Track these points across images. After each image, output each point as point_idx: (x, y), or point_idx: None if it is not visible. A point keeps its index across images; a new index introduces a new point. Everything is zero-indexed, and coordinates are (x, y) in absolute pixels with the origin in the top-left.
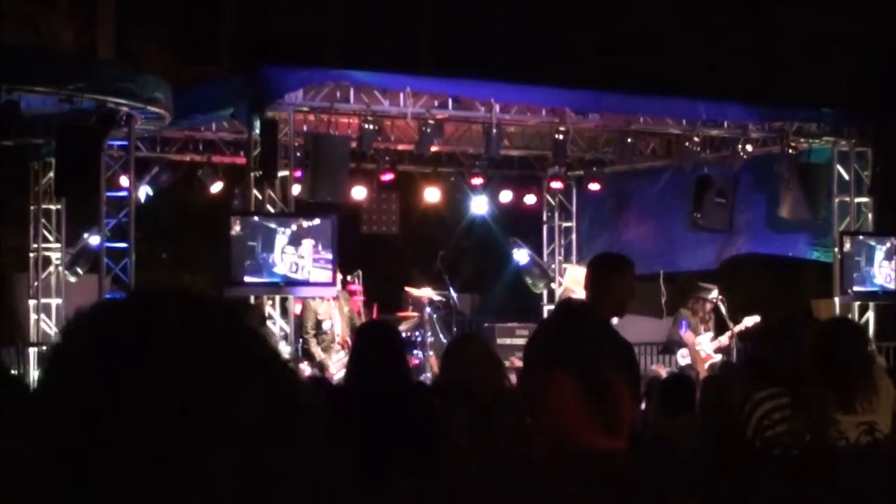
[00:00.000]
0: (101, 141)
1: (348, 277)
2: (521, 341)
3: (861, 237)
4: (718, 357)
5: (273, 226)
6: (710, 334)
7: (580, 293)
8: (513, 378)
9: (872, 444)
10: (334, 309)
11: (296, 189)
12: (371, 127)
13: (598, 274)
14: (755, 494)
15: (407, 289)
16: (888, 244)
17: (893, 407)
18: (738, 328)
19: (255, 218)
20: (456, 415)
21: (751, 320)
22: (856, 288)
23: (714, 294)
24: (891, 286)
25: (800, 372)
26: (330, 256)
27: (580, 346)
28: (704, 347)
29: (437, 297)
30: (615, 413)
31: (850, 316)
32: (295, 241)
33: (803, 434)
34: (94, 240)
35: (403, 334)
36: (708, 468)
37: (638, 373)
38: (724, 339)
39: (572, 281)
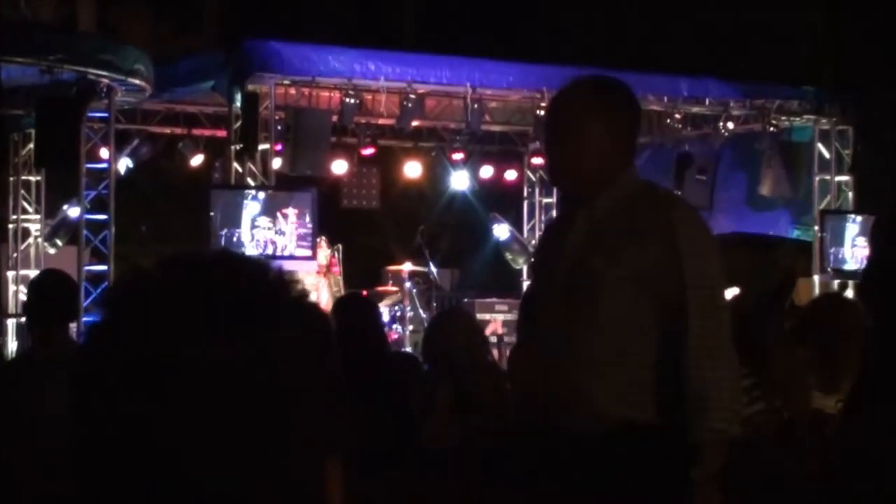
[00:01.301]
0: (82, 112)
1: (329, 251)
2: (501, 316)
3: (842, 215)
4: None
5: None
6: None
7: None
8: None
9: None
10: (322, 282)
11: (276, 163)
12: (352, 101)
13: None
14: (728, 473)
15: (389, 268)
16: (859, 221)
17: None
18: None
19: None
20: (438, 388)
21: (729, 293)
22: (835, 266)
23: None
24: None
25: (768, 350)
26: (310, 230)
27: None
28: None
29: (418, 271)
30: None
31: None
32: (269, 210)
33: (780, 413)
34: (73, 211)
35: (385, 309)
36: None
37: None
38: None
39: None
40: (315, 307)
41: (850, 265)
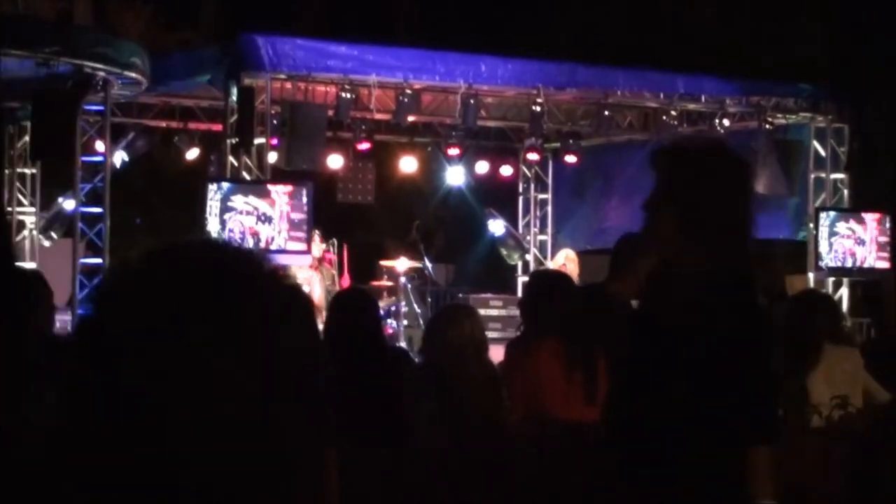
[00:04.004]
0: (78, 105)
1: (324, 245)
2: (496, 312)
3: (836, 213)
4: None
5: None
6: None
7: None
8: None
9: (846, 417)
10: (315, 276)
11: (272, 157)
12: (348, 96)
13: (623, 253)
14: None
15: (382, 263)
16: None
17: (864, 384)
18: None
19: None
20: (427, 386)
21: None
22: (829, 264)
23: None
24: (848, 264)
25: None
26: (306, 215)
27: (560, 315)
28: None
29: (413, 266)
30: (594, 383)
31: (824, 292)
32: (250, 189)
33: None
34: (68, 204)
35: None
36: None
37: None
38: None
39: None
40: (300, 298)
41: (829, 261)
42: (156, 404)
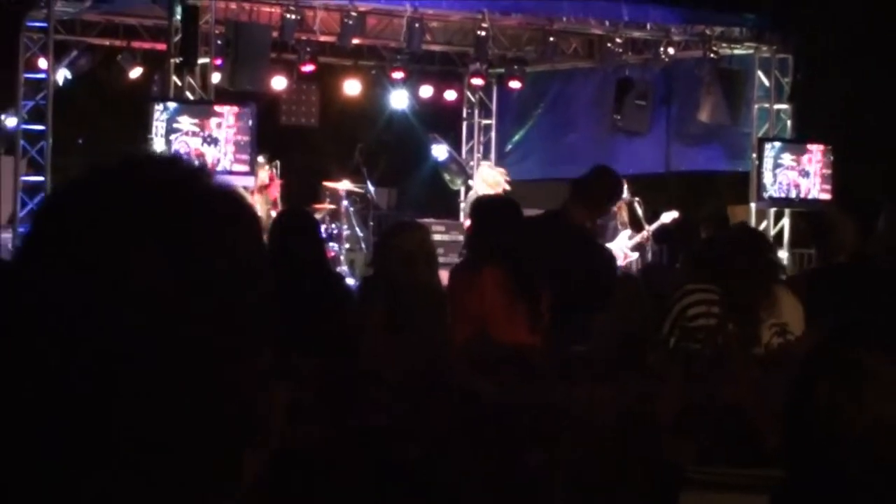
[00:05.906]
0: (20, 21)
1: (268, 168)
2: (438, 237)
3: (779, 143)
4: (636, 255)
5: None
6: (628, 232)
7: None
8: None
9: (784, 345)
10: (257, 199)
11: (216, 77)
12: (293, 17)
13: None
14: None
15: (325, 183)
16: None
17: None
18: (655, 225)
19: None
20: (373, 305)
21: (668, 216)
22: (773, 195)
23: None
24: (792, 195)
25: (732, 272)
26: (250, 138)
27: (506, 242)
28: (622, 246)
29: (355, 190)
30: (537, 313)
31: (765, 222)
32: (198, 111)
33: (728, 332)
34: (10, 121)
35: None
36: (616, 363)
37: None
38: (640, 238)
39: (481, 182)
40: (250, 214)
41: (772, 192)
42: (102, 320)
